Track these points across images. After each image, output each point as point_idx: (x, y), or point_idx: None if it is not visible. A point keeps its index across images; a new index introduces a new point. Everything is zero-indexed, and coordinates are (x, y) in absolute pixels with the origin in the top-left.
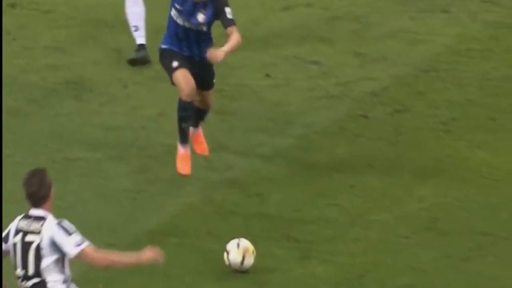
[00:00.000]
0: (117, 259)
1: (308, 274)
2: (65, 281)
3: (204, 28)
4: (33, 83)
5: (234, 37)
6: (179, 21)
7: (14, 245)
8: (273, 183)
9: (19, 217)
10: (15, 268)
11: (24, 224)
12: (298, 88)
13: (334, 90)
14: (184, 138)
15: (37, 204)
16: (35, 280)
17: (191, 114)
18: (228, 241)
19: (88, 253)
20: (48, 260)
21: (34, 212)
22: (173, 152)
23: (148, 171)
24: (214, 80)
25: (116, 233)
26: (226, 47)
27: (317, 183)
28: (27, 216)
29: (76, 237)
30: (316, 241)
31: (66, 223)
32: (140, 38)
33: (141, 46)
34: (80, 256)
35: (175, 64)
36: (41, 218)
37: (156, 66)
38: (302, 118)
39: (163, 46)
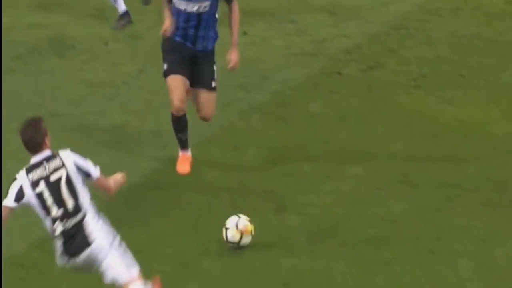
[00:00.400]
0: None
1: (283, 225)
2: (97, 213)
3: (206, 7)
4: (17, 41)
5: (235, 19)
6: (181, 5)
7: (39, 195)
8: (249, 137)
9: (22, 173)
10: (48, 214)
11: (40, 172)
12: (274, 45)
13: (309, 47)
14: (183, 145)
15: (35, 150)
16: (78, 217)
17: (185, 127)
18: (206, 194)
19: (101, 178)
20: (79, 186)
21: (39, 157)
22: (153, 108)
23: (128, 126)
24: (215, 83)
25: None
26: (234, 39)
27: (292, 137)
28: (36, 165)
29: (89, 162)
30: (291, 193)
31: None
32: None
33: None
34: (98, 180)
35: (168, 66)
36: (53, 156)
37: (136, 24)
38: (278, 74)
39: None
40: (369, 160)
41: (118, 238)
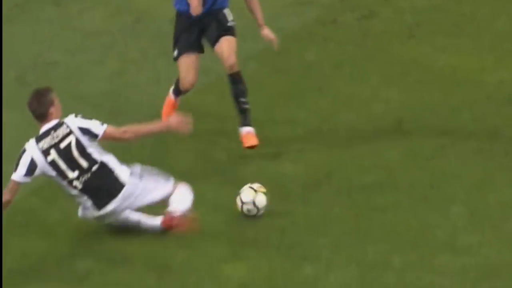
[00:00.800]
0: (142, 128)
1: (279, 173)
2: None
3: None
4: None
5: (255, 2)
6: None
7: (52, 162)
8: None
9: (32, 143)
10: (64, 178)
11: (49, 141)
12: None
13: None
14: (176, 92)
15: (41, 120)
16: (94, 167)
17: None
18: (203, 141)
19: (112, 132)
20: (89, 147)
21: (46, 126)
22: (150, 56)
23: (126, 74)
24: (230, 24)
25: None
26: (261, 20)
27: (287, 85)
28: (44, 134)
29: (96, 120)
30: (286, 141)
31: (80, 114)
32: None
33: None
34: (105, 135)
35: (178, 50)
36: (60, 124)
37: None
38: (273, 23)
39: (176, 7)
40: (363, 107)
41: (138, 166)
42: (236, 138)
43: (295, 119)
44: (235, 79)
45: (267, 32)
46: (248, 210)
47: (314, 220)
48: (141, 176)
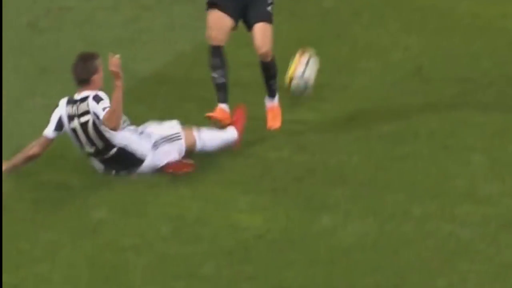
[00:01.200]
0: (113, 107)
1: (297, 121)
2: (135, 131)
3: None
4: None
5: None
6: None
7: (73, 130)
8: None
9: (64, 102)
10: (82, 148)
11: (72, 110)
12: None
13: None
14: (221, 96)
15: (81, 85)
16: (113, 151)
17: (220, 63)
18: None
19: (104, 117)
20: (107, 131)
21: (79, 94)
22: (165, 2)
23: (140, 20)
24: (269, 8)
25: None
26: None
27: (304, 32)
28: (73, 101)
29: (103, 103)
30: None
31: (100, 93)
32: None
33: None
34: (103, 120)
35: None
36: (85, 98)
37: None
38: None
39: None
40: (382, 55)
41: (150, 131)
42: (253, 85)
43: None
44: (267, 66)
45: None
46: (298, 85)
47: (332, 169)
48: (155, 146)
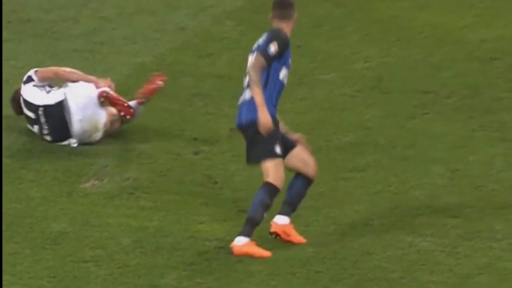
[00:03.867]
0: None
1: None
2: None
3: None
4: None
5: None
6: (282, 75)
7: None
8: (223, 44)
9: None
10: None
11: None
12: None
13: None
14: (252, 230)
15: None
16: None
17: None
18: (179, 101)
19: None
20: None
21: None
22: (126, 14)
23: (100, 32)
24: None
25: None
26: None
27: None
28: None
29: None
30: None
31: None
32: None
33: None
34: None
35: (277, 150)
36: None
37: None
38: None
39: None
40: (342, 66)
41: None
42: (214, 97)
43: None
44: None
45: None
46: None
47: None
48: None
